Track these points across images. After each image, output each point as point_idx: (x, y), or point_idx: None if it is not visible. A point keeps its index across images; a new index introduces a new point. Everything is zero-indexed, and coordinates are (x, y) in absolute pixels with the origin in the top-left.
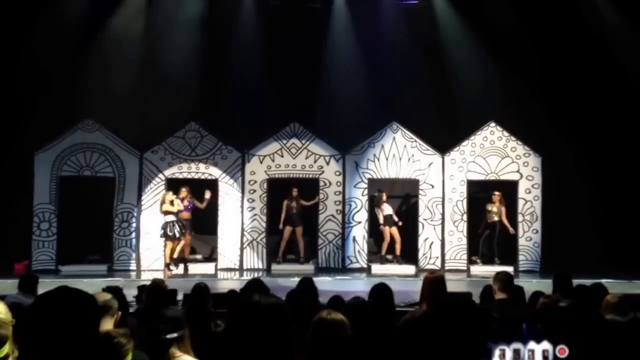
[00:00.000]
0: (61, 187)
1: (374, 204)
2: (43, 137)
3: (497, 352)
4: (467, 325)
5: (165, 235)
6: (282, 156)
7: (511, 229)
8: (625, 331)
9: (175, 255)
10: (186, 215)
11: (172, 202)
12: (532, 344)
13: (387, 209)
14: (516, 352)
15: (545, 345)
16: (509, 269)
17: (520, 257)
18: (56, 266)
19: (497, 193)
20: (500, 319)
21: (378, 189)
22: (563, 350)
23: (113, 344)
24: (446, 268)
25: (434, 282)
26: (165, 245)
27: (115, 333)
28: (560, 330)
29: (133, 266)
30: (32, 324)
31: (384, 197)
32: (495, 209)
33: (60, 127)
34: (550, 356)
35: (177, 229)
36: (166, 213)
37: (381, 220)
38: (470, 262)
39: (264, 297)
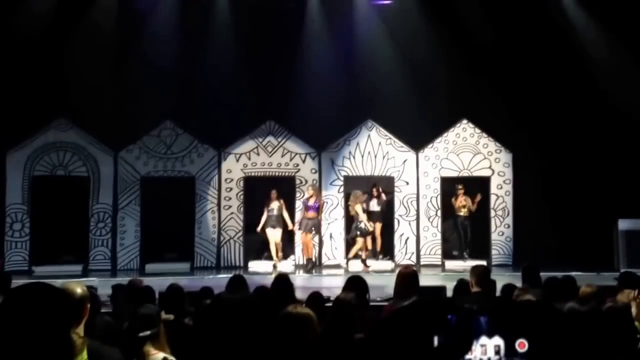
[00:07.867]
0: (34, 187)
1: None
2: (15, 136)
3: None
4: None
5: (364, 233)
6: (258, 154)
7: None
8: (584, 320)
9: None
10: (312, 214)
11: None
12: (483, 339)
13: (372, 205)
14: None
15: (497, 340)
16: (482, 263)
17: (493, 252)
18: (29, 267)
19: (460, 186)
20: (464, 312)
21: (374, 185)
22: (523, 345)
23: None
24: (421, 263)
25: (407, 276)
26: (356, 243)
27: None
28: (520, 324)
29: (109, 266)
30: (1, 322)
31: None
32: (464, 202)
33: (33, 125)
34: (502, 351)
35: (369, 225)
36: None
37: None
38: (445, 256)
39: (230, 293)
